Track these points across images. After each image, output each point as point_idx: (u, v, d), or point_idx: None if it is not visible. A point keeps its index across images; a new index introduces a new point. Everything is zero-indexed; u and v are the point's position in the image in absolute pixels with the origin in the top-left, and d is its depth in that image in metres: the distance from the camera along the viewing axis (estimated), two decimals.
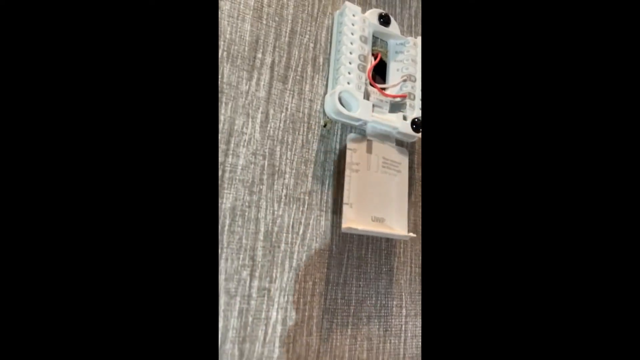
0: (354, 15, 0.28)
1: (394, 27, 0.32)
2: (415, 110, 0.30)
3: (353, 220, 0.26)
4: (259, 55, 0.26)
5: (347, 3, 0.28)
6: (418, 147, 0.33)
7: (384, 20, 0.31)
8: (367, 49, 0.29)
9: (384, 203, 0.28)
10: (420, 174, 0.32)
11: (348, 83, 0.27)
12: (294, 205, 0.26)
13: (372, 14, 0.31)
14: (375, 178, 0.28)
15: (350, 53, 0.28)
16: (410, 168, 0.32)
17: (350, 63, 0.28)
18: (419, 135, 0.30)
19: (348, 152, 0.27)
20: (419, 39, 0.32)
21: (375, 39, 0.31)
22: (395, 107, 0.31)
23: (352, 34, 0.28)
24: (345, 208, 0.26)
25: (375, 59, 0.30)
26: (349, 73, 0.27)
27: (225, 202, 0.23)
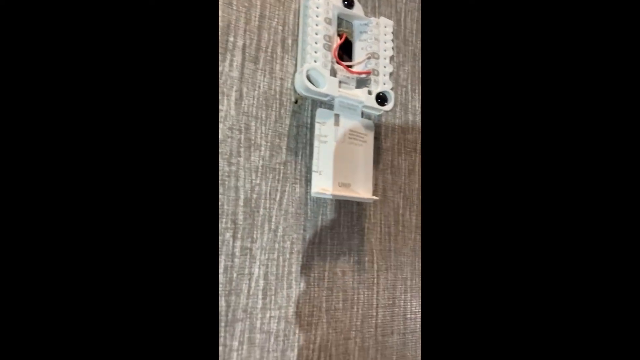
0: None
1: (357, 8, 0.34)
2: (379, 85, 0.33)
3: (321, 186, 0.29)
4: (231, 39, 0.28)
5: None
6: (385, 120, 0.36)
7: (348, 2, 0.33)
8: (332, 30, 0.32)
9: (350, 170, 0.31)
10: (386, 144, 0.35)
11: (315, 61, 0.30)
12: (270, 175, 0.29)
13: None
14: (342, 148, 0.31)
15: (316, 34, 0.30)
16: (377, 139, 0.35)
17: (316, 43, 0.30)
18: (385, 108, 0.33)
19: (316, 125, 0.30)
20: (382, 18, 0.34)
21: (340, 20, 0.34)
22: (361, 83, 0.33)
23: (317, 16, 0.31)
24: (314, 175, 0.29)
25: (340, 38, 0.33)
26: (316, 52, 0.30)
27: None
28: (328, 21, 0.31)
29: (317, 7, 0.31)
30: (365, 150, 0.32)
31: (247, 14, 0.29)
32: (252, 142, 0.28)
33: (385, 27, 0.34)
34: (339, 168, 0.31)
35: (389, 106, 0.33)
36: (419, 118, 0.38)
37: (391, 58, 0.34)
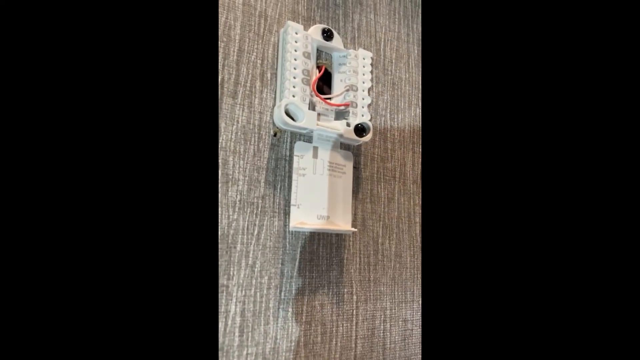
0: (296, 33, 0.31)
1: (336, 41, 0.35)
2: (357, 116, 0.33)
3: (300, 220, 0.29)
4: None
5: (289, 22, 0.31)
6: (364, 149, 0.36)
7: (327, 35, 0.34)
8: (311, 63, 0.32)
9: (329, 202, 0.31)
10: (366, 174, 0.36)
11: (293, 96, 0.30)
12: (248, 209, 0.29)
13: (316, 30, 0.34)
14: (321, 180, 0.31)
15: (295, 68, 0.31)
16: (356, 169, 0.35)
17: (294, 77, 0.30)
18: (363, 139, 0.33)
19: (295, 159, 0.30)
20: (361, 50, 0.35)
21: (320, 52, 0.34)
22: (340, 115, 0.34)
23: (296, 50, 0.31)
24: (292, 209, 0.29)
25: (319, 71, 0.33)
26: (294, 87, 0.30)
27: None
28: (307, 55, 0.32)
29: (296, 42, 0.31)
30: (344, 182, 0.33)
31: (226, 48, 0.30)
32: (230, 177, 0.28)
33: (364, 58, 0.35)
34: (317, 200, 0.31)
35: (367, 137, 0.34)
36: (397, 146, 0.38)
37: (369, 89, 0.35)
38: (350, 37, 0.37)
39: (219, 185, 0.28)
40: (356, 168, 0.35)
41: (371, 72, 0.35)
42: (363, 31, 0.38)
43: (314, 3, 0.35)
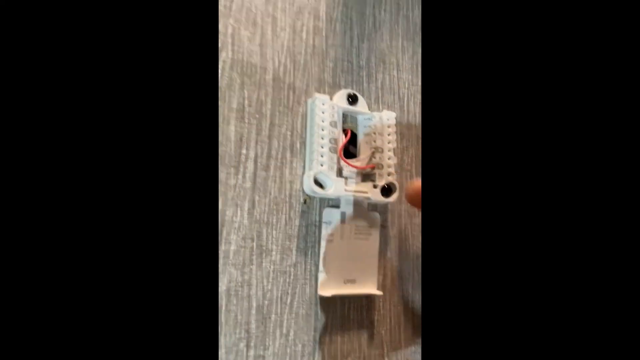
0: (323, 104, 0.33)
1: (361, 104, 0.36)
2: (384, 178, 0.34)
3: (327, 287, 0.30)
4: (244, 151, 0.30)
5: (316, 95, 0.33)
6: (391, 207, 0.37)
7: (352, 100, 0.36)
8: (338, 130, 0.34)
9: (355, 266, 0.32)
10: (394, 232, 0.36)
11: (321, 165, 0.32)
12: (281, 279, 0.30)
13: (341, 96, 0.35)
14: (348, 245, 0.32)
15: (322, 138, 0.32)
16: (384, 227, 0.36)
17: (322, 147, 0.32)
18: (390, 199, 0.34)
19: (323, 226, 0.32)
20: (385, 112, 0.36)
21: (345, 116, 0.36)
22: (367, 177, 0.35)
23: (323, 121, 0.33)
24: (320, 276, 0.31)
25: (346, 136, 0.35)
26: (322, 156, 0.32)
27: (221, 285, 0.28)
28: (333, 124, 0.33)
29: (323, 113, 0.33)
30: (371, 243, 0.34)
31: (259, 125, 0.32)
32: (264, 248, 0.30)
33: (387, 119, 0.36)
34: (344, 265, 0.32)
35: (394, 196, 0.34)
36: None
37: (395, 148, 0.36)
38: (374, 97, 0.38)
39: (254, 257, 0.29)
40: (384, 227, 0.36)
41: (395, 132, 0.36)
42: (387, 90, 0.39)
43: (338, 69, 0.37)
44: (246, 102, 0.31)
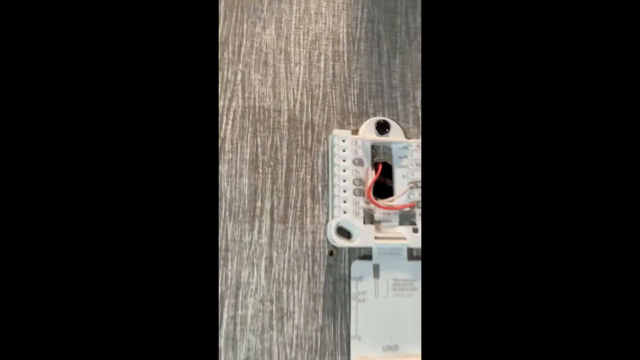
0: (343, 141, 0.29)
1: (394, 131, 0.31)
2: None
3: (362, 355, 0.26)
4: (259, 204, 0.28)
5: (334, 131, 0.29)
6: None
7: (382, 128, 0.31)
8: (364, 168, 0.29)
9: (397, 329, 0.27)
10: None
11: (344, 212, 0.27)
12: (307, 345, 0.27)
13: (369, 126, 0.31)
14: (385, 304, 0.27)
15: (344, 181, 0.28)
16: None
17: (344, 191, 0.28)
18: None
19: (353, 282, 0.27)
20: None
21: (377, 147, 0.31)
22: (406, 218, 0.29)
23: (344, 160, 0.28)
24: (353, 342, 0.26)
25: (377, 171, 0.30)
26: (344, 202, 0.28)
27: (239, 354, 0.26)
28: (357, 162, 0.29)
29: (344, 151, 0.29)
30: (414, 300, 0.28)
31: (274, 173, 0.29)
32: (285, 311, 0.27)
33: None
34: (382, 329, 0.27)
35: None
36: None
37: None
38: (412, 120, 0.32)
39: (274, 321, 0.27)
40: None
41: None
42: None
43: (365, 95, 0.32)
44: (259, 150, 0.29)
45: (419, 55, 0.34)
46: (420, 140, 0.30)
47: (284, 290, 0.27)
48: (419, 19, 0.35)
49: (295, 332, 0.27)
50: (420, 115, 0.33)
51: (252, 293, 0.27)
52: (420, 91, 0.33)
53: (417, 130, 0.32)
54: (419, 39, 0.34)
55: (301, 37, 0.32)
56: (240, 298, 0.27)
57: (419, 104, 0.33)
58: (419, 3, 0.35)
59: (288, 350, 0.26)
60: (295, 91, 0.31)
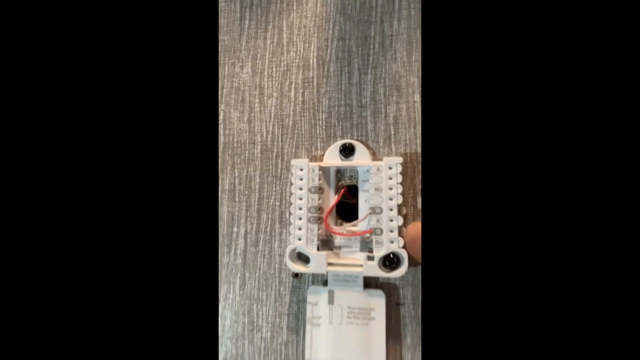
0: (301, 170, 0.30)
1: (360, 154, 0.30)
2: (384, 246, 0.27)
3: None
4: (235, 229, 0.33)
5: (293, 161, 0.30)
6: (412, 279, 0.28)
7: (346, 152, 0.30)
8: (325, 195, 0.30)
9: (352, 358, 0.27)
10: (417, 311, 0.28)
11: (299, 239, 0.29)
12: (272, 357, 0.30)
13: (334, 150, 0.31)
14: (339, 331, 0.28)
15: (300, 209, 0.30)
16: (401, 305, 0.28)
17: (300, 219, 0.29)
18: (393, 274, 0.27)
19: (308, 307, 0.29)
20: (386, 159, 0.28)
21: (345, 170, 0.31)
22: (365, 245, 0.29)
23: (301, 189, 0.30)
24: None
25: (339, 196, 0.30)
26: (300, 229, 0.29)
27: (219, 354, 0.31)
28: (314, 190, 0.30)
29: (301, 179, 0.30)
30: (374, 330, 0.27)
31: (248, 200, 0.33)
32: (255, 324, 0.31)
33: (390, 169, 0.28)
34: (337, 356, 0.28)
35: (399, 271, 0.27)
36: None
37: (399, 207, 0.28)
38: (384, 138, 0.31)
39: (246, 332, 0.31)
40: (400, 305, 0.28)
41: (401, 182, 0.28)
42: (403, 123, 0.31)
43: (333, 118, 0.32)
44: (237, 180, 0.33)
45: (395, 65, 0.31)
46: (383, 162, 0.28)
47: (255, 306, 0.31)
48: (395, 24, 0.32)
49: (262, 344, 0.30)
50: (392, 132, 0.31)
51: (229, 306, 0.32)
52: (396, 105, 0.31)
53: (387, 149, 0.31)
54: (395, 46, 0.32)
55: (274, 70, 0.34)
56: (220, 310, 0.32)
57: (391, 120, 0.31)
58: (396, 7, 0.32)
59: (256, 358, 0.30)
60: (268, 123, 0.34)
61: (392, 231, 0.27)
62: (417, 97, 0.31)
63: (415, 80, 0.31)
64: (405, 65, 0.31)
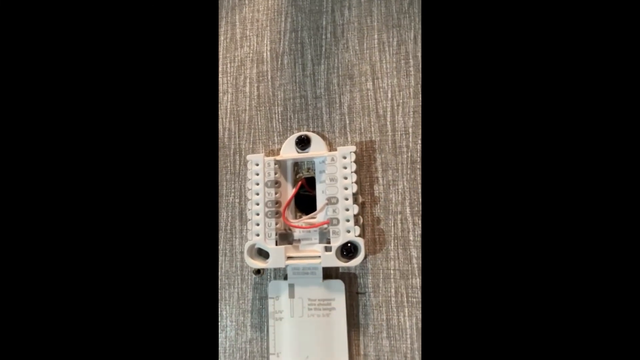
0: (257, 165, 0.30)
1: (315, 145, 0.30)
2: (340, 236, 0.27)
3: None
4: None
5: (248, 156, 0.30)
6: (372, 266, 0.28)
7: (302, 144, 0.30)
8: (281, 189, 0.30)
9: (317, 348, 0.27)
10: (378, 300, 0.28)
11: (257, 235, 0.29)
12: (237, 355, 0.29)
13: (290, 143, 0.30)
14: (300, 323, 0.28)
15: (257, 204, 0.29)
16: (362, 294, 0.28)
17: (257, 214, 0.29)
18: (350, 263, 0.27)
19: (270, 301, 0.29)
20: (340, 149, 0.28)
21: (302, 163, 0.31)
22: (324, 236, 0.29)
23: (257, 184, 0.29)
24: (272, 358, 0.28)
25: (296, 188, 0.30)
26: (257, 224, 0.29)
27: None
28: (270, 184, 0.29)
29: (257, 174, 0.30)
30: (334, 320, 0.27)
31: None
32: (220, 323, 0.30)
33: (344, 158, 0.28)
34: (299, 347, 0.27)
35: (356, 259, 0.27)
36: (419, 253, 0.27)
37: (356, 194, 0.28)
38: (339, 128, 0.31)
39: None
40: (361, 293, 0.28)
41: (355, 171, 0.28)
42: (357, 112, 0.30)
43: (289, 110, 0.32)
44: None
45: (347, 54, 0.31)
46: (337, 152, 0.28)
47: (220, 305, 0.31)
48: (347, 13, 0.32)
49: (227, 343, 0.30)
50: (347, 122, 0.31)
51: None
52: (350, 94, 0.31)
53: (343, 138, 0.30)
54: (347, 35, 0.31)
55: (228, 65, 0.34)
56: None
57: (345, 109, 0.31)
58: None
59: (222, 358, 0.30)
60: (224, 119, 0.33)
61: (348, 220, 0.27)
62: (370, 85, 0.30)
63: (367, 68, 0.31)
64: (357, 54, 0.31)
